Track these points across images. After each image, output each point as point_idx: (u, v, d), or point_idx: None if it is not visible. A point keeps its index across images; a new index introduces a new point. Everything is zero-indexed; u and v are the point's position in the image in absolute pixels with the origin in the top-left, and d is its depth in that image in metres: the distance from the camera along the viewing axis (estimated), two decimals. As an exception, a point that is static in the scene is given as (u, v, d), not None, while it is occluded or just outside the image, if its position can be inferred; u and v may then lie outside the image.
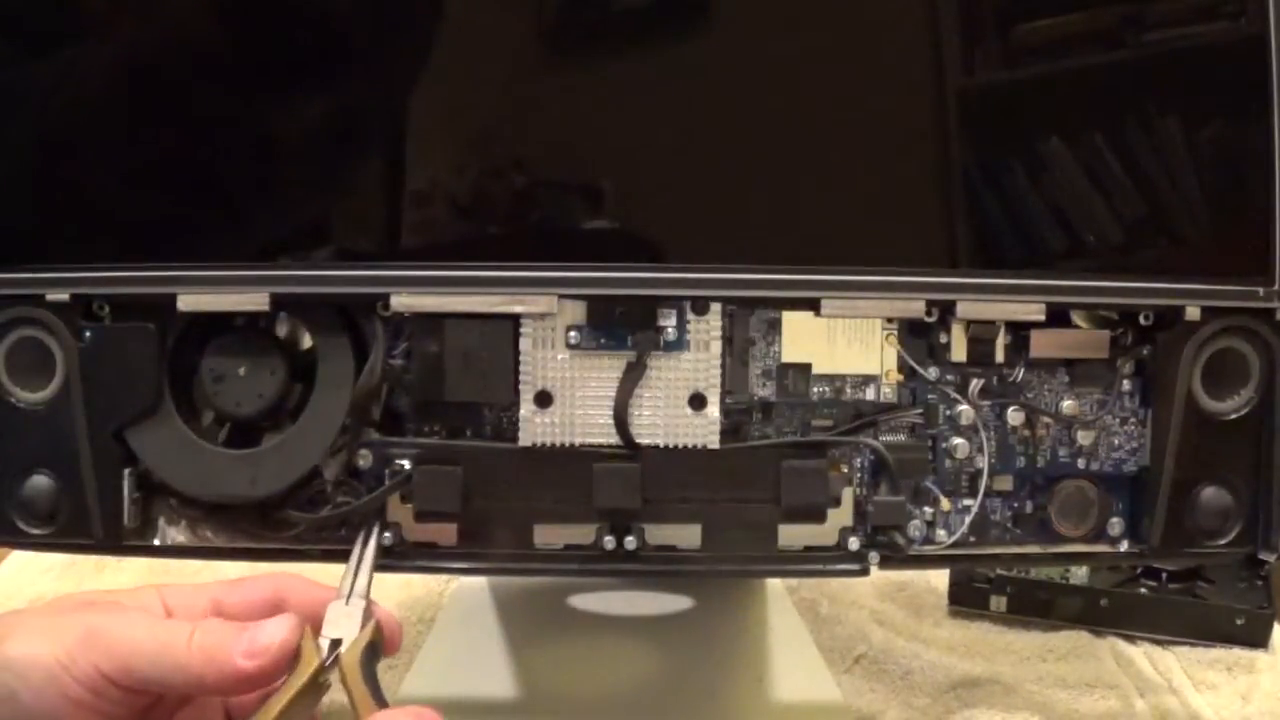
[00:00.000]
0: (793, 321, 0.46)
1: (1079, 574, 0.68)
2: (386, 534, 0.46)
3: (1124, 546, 0.48)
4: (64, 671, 0.38)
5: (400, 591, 0.68)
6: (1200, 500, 0.47)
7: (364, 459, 0.46)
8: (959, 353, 0.47)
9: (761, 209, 0.46)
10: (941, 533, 0.47)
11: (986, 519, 0.48)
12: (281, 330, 0.46)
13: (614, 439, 0.45)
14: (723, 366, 0.46)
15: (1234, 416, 0.47)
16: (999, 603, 0.68)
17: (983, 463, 0.47)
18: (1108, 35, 0.46)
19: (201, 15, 0.45)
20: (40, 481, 0.46)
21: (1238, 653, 0.65)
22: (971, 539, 0.48)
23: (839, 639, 0.66)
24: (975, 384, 0.47)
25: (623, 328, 0.45)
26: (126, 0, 0.45)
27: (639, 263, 0.45)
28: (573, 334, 0.45)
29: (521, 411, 0.45)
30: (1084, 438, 0.47)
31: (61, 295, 0.45)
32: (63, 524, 0.46)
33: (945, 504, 0.47)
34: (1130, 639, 0.66)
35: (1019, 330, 0.46)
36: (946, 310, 0.45)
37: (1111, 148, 0.45)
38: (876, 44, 0.46)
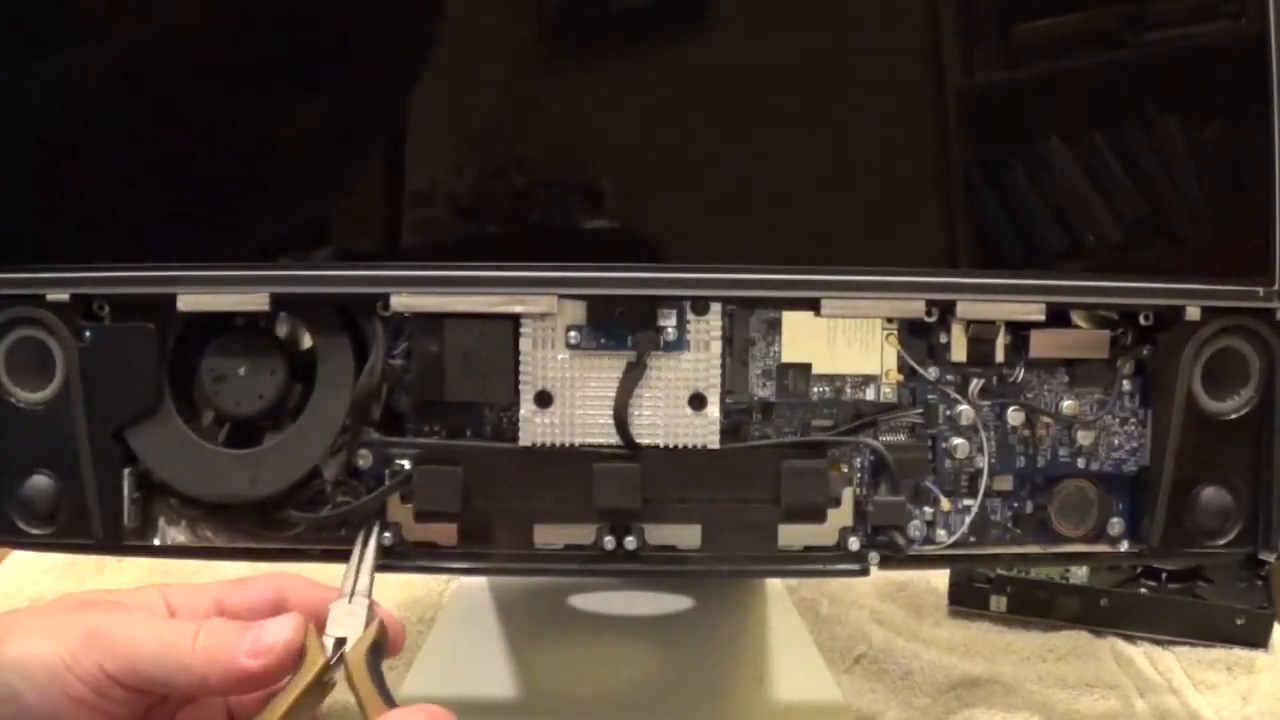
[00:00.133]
0: (793, 321, 0.46)
1: (1079, 574, 0.68)
2: (386, 534, 0.46)
3: (1124, 546, 0.48)
4: (67, 671, 0.38)
5: (400, 591, 0.68)
6: (1200, 500, 0.47)
7: (364, 459, 0.46)
8: (959, 353, 0.47)
9: (761, 209, 0.46)
10: (941, 533, 0.47)
11: (986, 519, 0.48)
12: (281, 330, 0.46)
13: (614, 439, 0.45)
14: (723, 366, 0.46)
15: (1234, 416, 0.47)
16: (999, 603, 0.68)
17: (983, 463, 0.47)
18: (1108, 35, 0.46)
19: (201, 15, 0.45)
20: (40, 481, 0.46)
21: (1238, 653, 0.65)
22: (971, 539, 0.48)
23: (839, 639, 0.66)
24: (975, 384, 0.47)
25: (623, 328, 0.45)
26: (130, 3, 0.45)
27: (639, 263, 0.45)
28: (573, 334, 0.45)
29: (521, 411, 0.45)
30: (1084, 438, 0.47)
31: (61, 295, 0.45)
32: (63, 524, 0.46)
33: (945, 504, 0.47)
34: (1130, 639, 0.66)
35: (1019, 330, 0.46)
36: (946, 310, 0.45)
37: (1111, 148, 0.45)
38: (876, 44, 0.46)
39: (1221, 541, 0.47)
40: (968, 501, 0.47)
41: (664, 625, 0.63)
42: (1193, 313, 0.46)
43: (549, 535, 0.47)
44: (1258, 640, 0.65)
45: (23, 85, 0.45)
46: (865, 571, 0.47)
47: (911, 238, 0.46)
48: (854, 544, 0.47)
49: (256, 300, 0.44)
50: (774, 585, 0.68)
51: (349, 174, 0.46)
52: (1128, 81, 0.46)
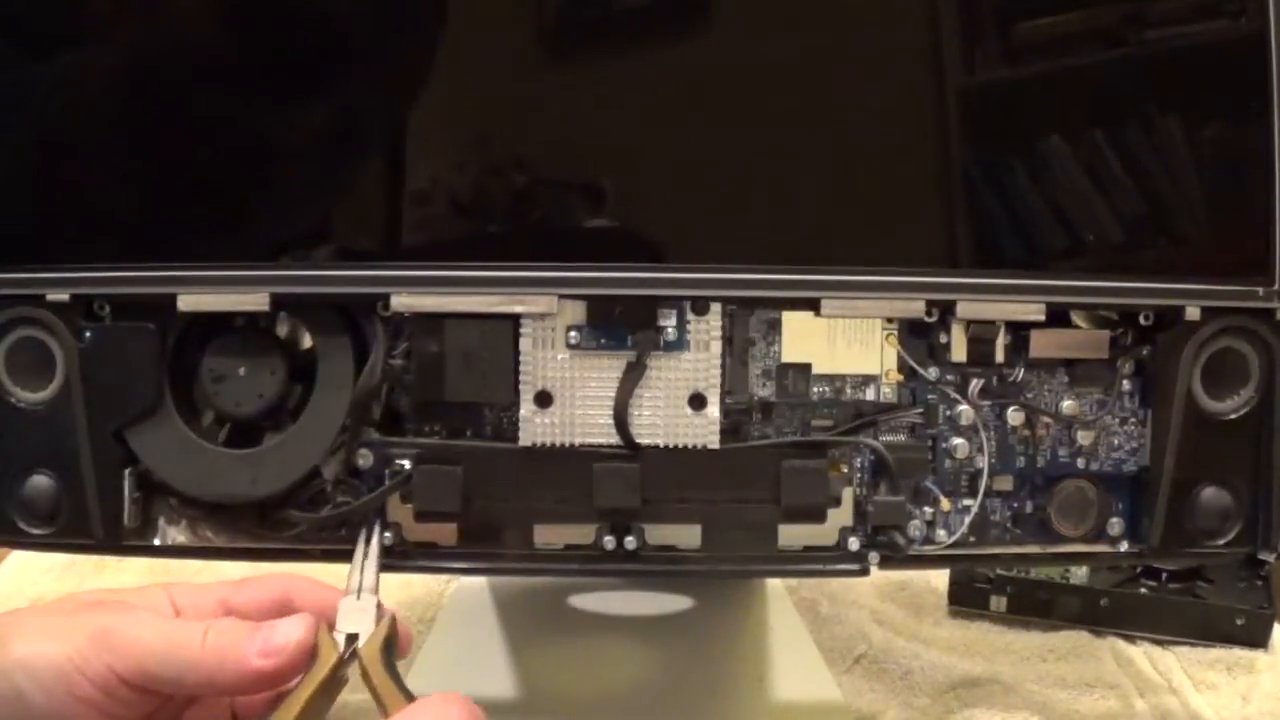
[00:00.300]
0: (793, 321, 0.46)
1: (1079, 574, 0.68)
2: (387, 534, 0.46)
3: (1124, 546, 0.48)
4: (75, 671, 0.38)
5: (400, 591, 0.68)
6: (1200, 500, 0.47)
7: (364, 459, 0.46)
8: (959, 353, 0.47)
9: (761, 209, 0.46)
10: (941, 533, 0.47)
11: (986, 519, 0.48)
12: (281, 330, 0.46)
13: (614, 439, 0.45)
14: (723, 366, 0.46)
15: (1234, 416, 0.47)
16: (999, 603, 0.68)
17: (983, 463, 0.47)
18: (1108, 34, 0.46)
19: (202, 16, 0.45)
20: (40, 481, 0.46)
21: (1238, 653, 0.65)
22: (971, 539, 0.48)
23: (839, 639, 0.66)
24: (975, 384, 0.47)
25: (623, 328, 0.45)
26: (129, 2, 0.45)
27: (639, 263, 0.45)
28: (573, 334, 0.45)
29: (521, 411, 0.45)
30: (1084, 438, 0.47)
31: (62, 295, 0.45)
32: (63, 524, 0.46)
33: (945, 504, 0.47)
34: (1130, 639, 0.66)
35: (1019, 330, 0.46)
36: (946, 310, 0.45)
37: (1112, 147, 0.45)
38: (877, 43, 0.46)
39: (1221, 541, 0.47)
40: (968, 501, 0.47)
41: (664, 625, 0.63)
42: (1193, 313, 0.46)
43: (549, 535, 0.47)
44: (1258, 640, 0.65)
45: (24, 85, 0.45)
46: (865, 571, 0.47)
47: (911, 238, 0.46)
48: (854, 544, 0.47)
49: (256, 300, 0.44)
50: (774, 585, 0.68)
51: (349, 174, 0.46)
52: (1128, 80, 0.46)
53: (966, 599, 0.69)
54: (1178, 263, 0.46)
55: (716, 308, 0.45)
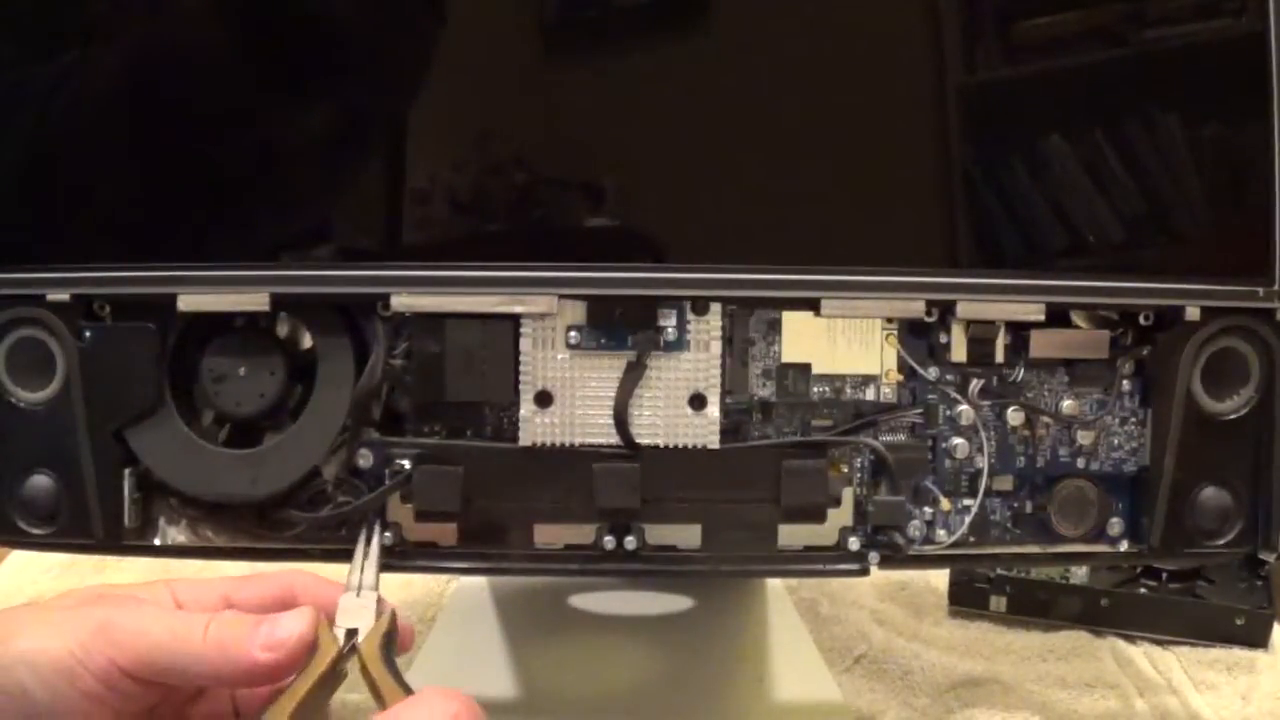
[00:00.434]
0: (793, 321, 0.46)
1: (1079, 574, 0.68)
2: (387, 534, 0.46)
3: (1124, 546, 0.48)
4: (78, 665, 0.38)
5: (400, 591, 0.68)
6: (1200, 500, 0.47)
7: (364, 459, 0.46)
8: (959, 353, 0.47)
9: (761, 209, 0.46)
10: (941, 533, 0.47)
11: (986, 519, 0.48)
12: (281, 330, 0.46)
13: (614, 439, 0.45)
14: (723, 366, 0.46)
15: (1234, 416, 0.47)
16: (999, 603, 0.68)
17: (983, 463, 0.47)
18: (1107, 33, 0.46)
19: (202, 16, 0.45)
20: (40, 481, 0.46)
21: (1238, 653, 0.65)
22: (971, 539, 0.48)
23: (839, 639, 0.66)
24: (975, 384, 0.47)
25: (623, 328, 0.45)
26: (130, 3, 0.45)
27: (639, 263, 0.45)
28: (573, 334, 0.45)
29: (521, 411, 0.45)
30: (1084, 438, 0.47)
31: (62, 295, 0.45)
32: (63, 524, 0.46)
33: (945, 504, 0.47)
34: (1130, 639, 0.66)
35: (1019, 330, 0.46)
36: (946, 310, 0.45)
37: (1112, 146, 0.45)
38: (877, 43, 0.46)
39: (1221, 541, 0.47)
40: (968, 501, 0.47)
41: (664, 625, 0.63)
42: (1193, 313, 0.46)
43: (549, 535, 0.47)
44: (1258, 640, 0.65)
45: (25, 86, 0.45)
46: (865, 571, 0.47)
47: (911, 238, 0.46)
48: (854, 544, 0.47)
49: (256, 300, 0.44)
50: (774, 585, 0.68)
51: (349, 174, 0.46)
52: (1128, 80, 0.46)
53: (966, 599, 0.69)
54: (1178, 263, 0.46)
55: (716, 308, 0.45)
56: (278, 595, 0.44)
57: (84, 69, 0.45)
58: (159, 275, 0.44)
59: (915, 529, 0.47)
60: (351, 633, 0.41)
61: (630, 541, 0.46)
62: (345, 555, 0.45)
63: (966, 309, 0.45)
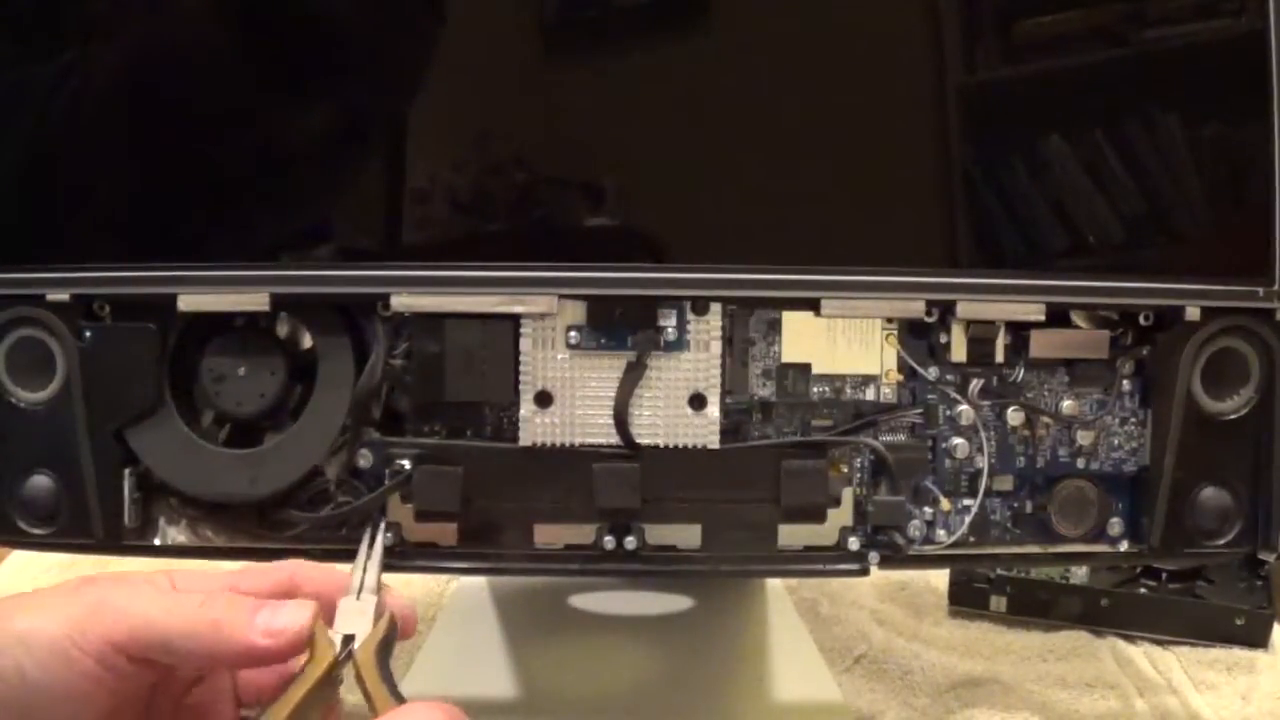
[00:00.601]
0: (793, 321, 0.46)
1: (1079, 574, 0.68)
2: (387, 534, 0.46)
3: (1124, 546, 0.48)
4: (72, 645, 0.38)
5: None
6: (1200, 500, 0.47)
7: (364, 459, 0.46)
8: (959, 353, 0.47)
9: (761, 209, 0.46)
10: (941, 533, 0.47)
11: (986, 519, 0.48)
12: (281, 330, 0.46)
13: (614, 439, 0.45)
14: (723, 366, 0.46)
15: (1234, 416, 0.47)
16: (999, 603, 0.68)
17: (983, 463, 0.47)
18: (1107, 33, 0.46)
19: (202, 16, 0.45)
20: (41, 481, 0.46)
21: (1238, 653, 0.65)
22: (971, 539, 0.48)
23: (839, 639, 0.66)
24: (975, 384, 0.47)
25: (623, 328, 0.45)
26: (131, 3, 0.45)
27: (639, 263, 0.45)
28: (573, 334, 0.45)
29: (521, 411, 0.45)
30: (1084, 438, 0.47)
31: (62, 295, 0.45)
32: (63, 524, 0.46)
33: (945, 504, 0.47)
34: (1130, 639, 0.66)
35: (1019, 330, 0.46)
36: (946, 310, 0.45)
37: (1112, 146, 0.45)
38: (877, 43, 0.46)
39: (1221, 541, 0.47)
40: (968, 501, 0.47)
41: (664, 625, 0.63)
42: (1193, 313, 0.46)
43: (549, 535, 0.47)
44: (1258, 640, 0.65)
45: (25, 86, 0.45)
46: (865, 571, 0.47)
47: (911, 237, 0.46)
48: (854, 544, 0.47)
49: (256, 300, 0.44)
50: (774, 585, 0.68)
51: (349, 174, 0.46)
52: (1128, 80, 0.46)
53: (966, 599, 0.69)
54: (1178, 263, 0.46)
55: (716, 308, 0.45)
56: (280, 584, 0.43)
57: (84, 69, 0.45)
58: (159, 275, 0.44)
59: (915, 529, 0.47)
60: (349, 638, 0.41)
61: (630, 541, 0.46)
62: (346, 555, 0.45)
63: (966, 309, 0.45)
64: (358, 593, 0.42)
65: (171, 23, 0.45)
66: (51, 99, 0.45)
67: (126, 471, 0.46)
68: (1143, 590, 0.67)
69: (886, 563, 0.47)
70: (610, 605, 0.64)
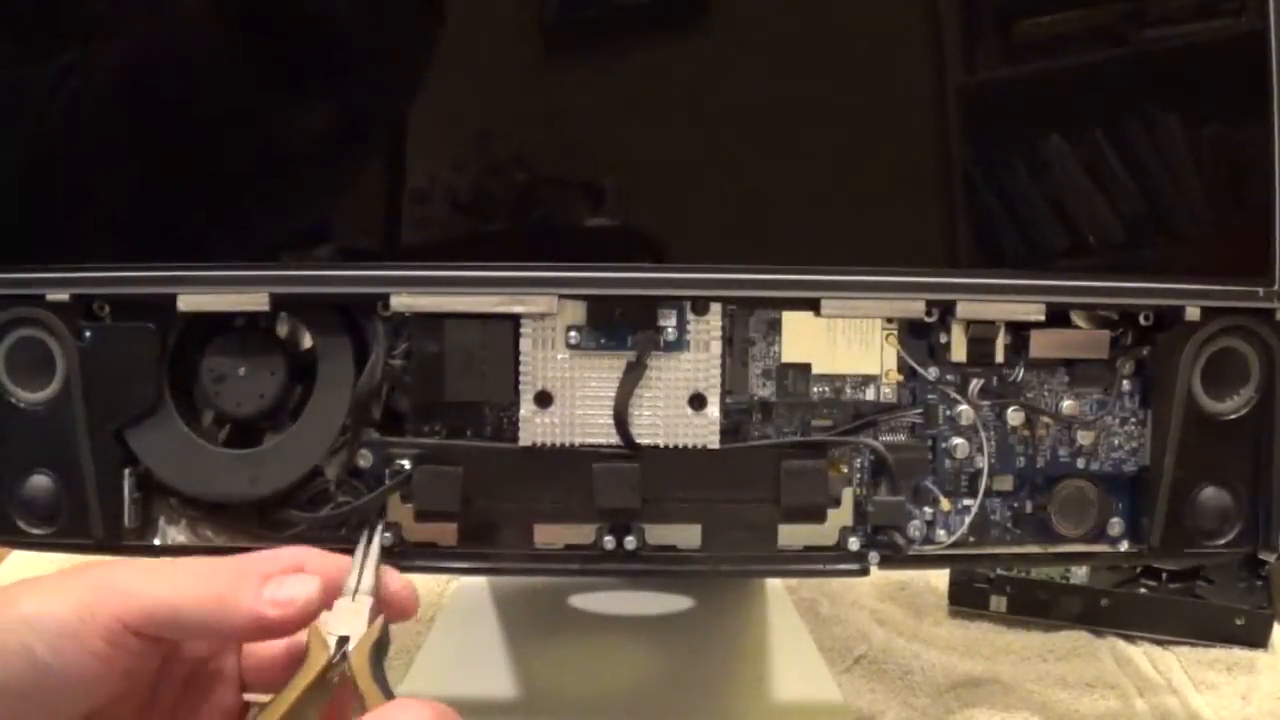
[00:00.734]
0: (793, 321, 0.46)
1: (1079, 574, 0.68)
2: (387, 534, 0.46)
3: (1124, 546, 0.48)
4: (82, 625, 0.38)
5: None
6: (1200, 500, 0.47)
7: (364, 459, 0.46)
8: (959, 353, 0.47)
9: (761, 209, 0.46)
10: (941, 533, 0.47)
11: (986, 519, 0.48)
12: (281, 330, 0.46)
13: (614, 439, 0.45)
14: (723, 366, 0.46)
15: (1234, 416, 0.47)
16: (999, 603, 0.68)
17: (983, 463, 0.47)
18: (1108, 33, 0.46)
19: (203, 17, 0.45)
20: (40, 481, 0.46)
21: (1238, 653, 0.65)
22: (971, 539, 0.48)
23: (839, 639, 0.66)
24: (975, 384, 0.47)
25: (623, 328, 0.45)
26: (131, 4, 0.45)
27: (639, 263, 0.45)
28: (573, 334, 0.45)
29: (521, 411, 0.45)
30: (1084, 438, 0.47)
31: (61, 295, 0.45)
32: (63, 524, 0.46)
33: (945, 504, 0.47)
34: (1130, 639, 0.66)
35: (1019, 330, 0.46)
36: (946, 310, 0.45)
37: (1112, 146, 0.45)
38: (877, 43, 0.46)
39: (1221, 541, 0.47)
40: (968, 501, 0.47)
41: (664, 625, 0.63)
42: (1193, 313, 0.46)
43: (549, 535, 0.47)
44: (1258, 640, 0.65)
45: (26, 86, 0.45)
46: (865, 571, 0.47)
47: (911, 238, 0.46)
48: (854, 544, 0.47)
49: (256, 300, 0.44)
50: (774, 585, 0.68)
51: (349, 173, 0.46)
52: (1128, 80, 0.46)
53: (966, 599, 0.69)
54: (1178, 263, 0.46)
55: (716, 308, 0.45)
56: (286, 569, 0.43)
57: (84, 69, 0.45)
58: (159, 275, 0.44)
59: (915, 529, 0.47)
60: (343, 639, 0.41)
61: (630, 541, 0.46)
62: (345, 555, 0.45)
63: (966, 309, 0.45)
64: (353, 594, 0.42)
65: (171, 23, 0.45)
66: (52, 99, 0.45)
67: (126, 471, 0.46)
68: (1143, 590, 0.67)
69: (886, 563, 0.47)
70: (610, 605, 0.64)
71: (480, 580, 0.67)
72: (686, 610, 0.64)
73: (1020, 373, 0.47)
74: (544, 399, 0.45)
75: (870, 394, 0.47)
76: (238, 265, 0.44)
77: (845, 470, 0.47)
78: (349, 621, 0.41)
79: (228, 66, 0.45)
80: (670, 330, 0.45)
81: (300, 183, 0.46)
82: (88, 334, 0.45)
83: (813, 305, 0.45)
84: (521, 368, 0.45)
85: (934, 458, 0.47)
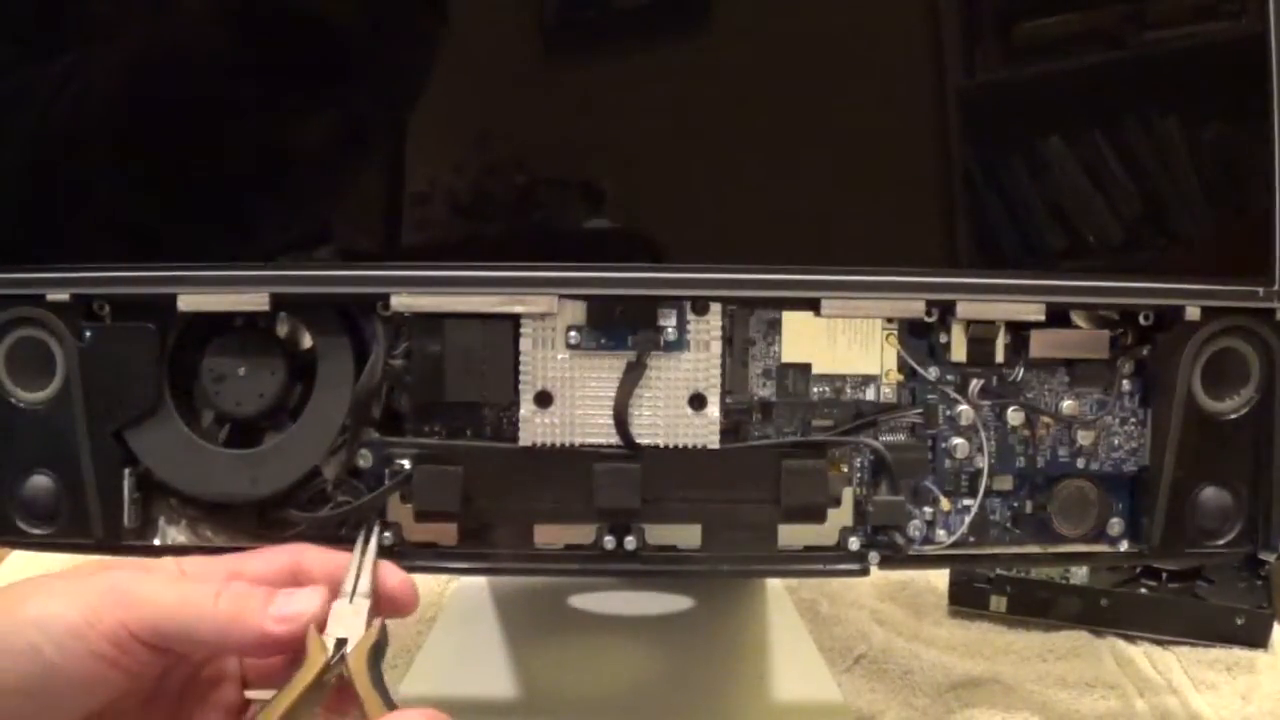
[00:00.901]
0: (793, 321, 0.46)
1: (1079, 574, 0.68)
2: (387, 534, 0.46)
3: (1124, 546, 0.48)
4: (89, 628, 0.38)
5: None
6: (1200, 500, 0.47)
7: (364, 459, 0.46)
8: (959, 353, 0.47)
9: (761, 209, 0.46)
10: (941, 533, 0.47)
11: (986, 519, 0.48)
12: (281, 330, 0.46)
13: (614, 439, 0.45)
14: (723, 366, 0.46)
15: (1234, 416, 0.47)
16: (999, 603, 0.68)
17: (983, 463, 0.47)
18: (1108, 34, 0.46)
19: (203, 19, 0.45)
20: (40, 481, 0.46)
21: (1238, 653, 0.65)
22: (971, 539, 0.48)
23: (839, 639, 0.66)
24: (975, 384, 0.47)
25: (623, 328, 0.45)
26: (133, 5, 0.45)
27: (639, 263, 0.45)
28: (573, 334, 0.45)
29: (521, 411, 0.45)
30: (1084, 438, 0.47)
31: (62, 295, 0.45)
32: (63, 524, 0.46)
33: (945, 504, 0.47)
34: (1130, 639, 0.66)
35: (1019, 330, 0.46)
36: (946, 310, 0.45)
37: (1112, 147, 0.45)
38: (877, 43, 0.46)
39: (1221, 541, 0.47)
40: (968, 501, 0.47)
41: (664, 625, 0.63)
42: (1193, 313, 0.46)
43: (549, 535, 0.47)
44: (1258, 640, 0.65)
45: (27, 86, 0.45)
46: (865, 571, 0.47)
47: (911, 238, 0.46)
48: (854, 544, 0.47)
49: (256, 300, 0.44)
50: (774, 585, 0.68)
51: (350, 174, 0.46)
52: (1128, 81, 0.46)
53: (966, 599, 0.69)
54: (1178, 263, 0.46)
55: (716, 308, 0.45)
56: (285, 568, 0.44)
57: (86, 70, 0.45)
58: (159, 275, 0.44)
59: (915, 529, 0.47)
60: (341, 642, 0.41)
61: (630, 541, 0.46)
62: (344, 553, 0.45)
63: (966, 309, 0.45)
64: (351, 596, 0.42)
65: (173, 23, 0.45)
66: (54, 99, 0.45)
67: (126, 471, 0.46)
68: (1143, 590, 0.67)
69: (886, 563, 0.47)
70: (610, 605, 0.64)
71: (480, 580, 0.67)
72: (686, 610, 0.64)
73: (1020, 373, 0.47)
74: (544, 399, 0.45)
75: (870, 394, 0.47)
76: (238, 265, 0.44)
77: (845, 470, 0.47)
78: (347, 623, 0.41)
79: (228, 66, 0.45)
80: (670, 330, 0.45)
81: (301, 183, 0.46)
82: (88, 334, 0.45)
83: (813, 305, 0.45)
84: (521, 368, 0.45)
85: (934, 458, 0.47)
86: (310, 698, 0.40)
